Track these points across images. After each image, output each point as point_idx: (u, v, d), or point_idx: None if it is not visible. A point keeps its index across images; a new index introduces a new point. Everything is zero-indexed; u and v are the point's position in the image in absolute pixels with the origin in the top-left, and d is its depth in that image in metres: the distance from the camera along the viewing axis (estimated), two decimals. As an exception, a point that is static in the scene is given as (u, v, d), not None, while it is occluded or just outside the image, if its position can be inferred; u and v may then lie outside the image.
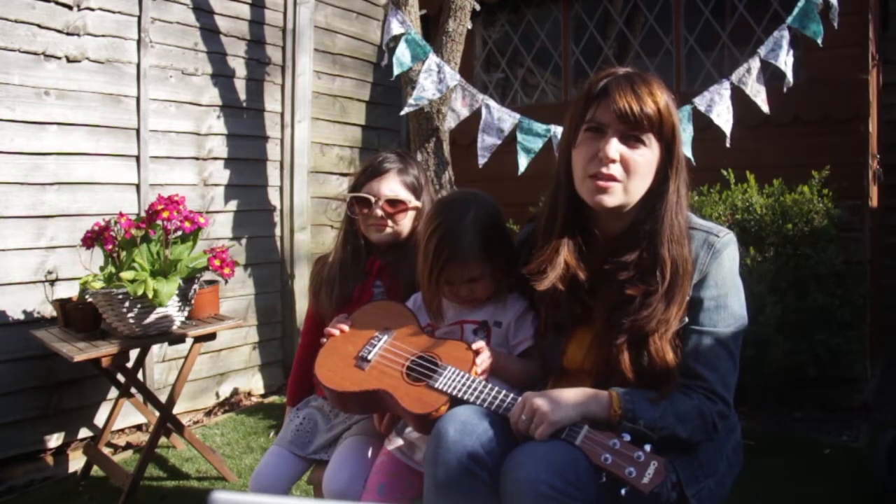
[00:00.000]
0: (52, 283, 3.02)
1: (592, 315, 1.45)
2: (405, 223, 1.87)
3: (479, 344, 1.51)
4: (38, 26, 2.95)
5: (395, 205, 1.85)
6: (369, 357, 1.55)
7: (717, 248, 1.41)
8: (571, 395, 1.34)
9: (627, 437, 1.24)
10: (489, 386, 1.39)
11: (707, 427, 1.37)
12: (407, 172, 1.89)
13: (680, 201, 1.41)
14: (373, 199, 1.85)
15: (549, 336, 1.52)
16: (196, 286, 2.68)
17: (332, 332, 1.66)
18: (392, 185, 1.86)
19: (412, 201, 1.87)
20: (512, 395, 1.35)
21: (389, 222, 1.85)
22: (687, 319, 1.40)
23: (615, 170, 1.36)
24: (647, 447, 1.22)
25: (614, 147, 1.36)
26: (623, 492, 1.20)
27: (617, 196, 1.38)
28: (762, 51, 3.04)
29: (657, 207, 1.41)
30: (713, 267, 1.40)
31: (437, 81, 3.22)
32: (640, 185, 1.39)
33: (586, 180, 1.40)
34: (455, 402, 1.39)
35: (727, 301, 1.40)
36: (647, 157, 1.38)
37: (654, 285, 1.37)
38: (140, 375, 3.09)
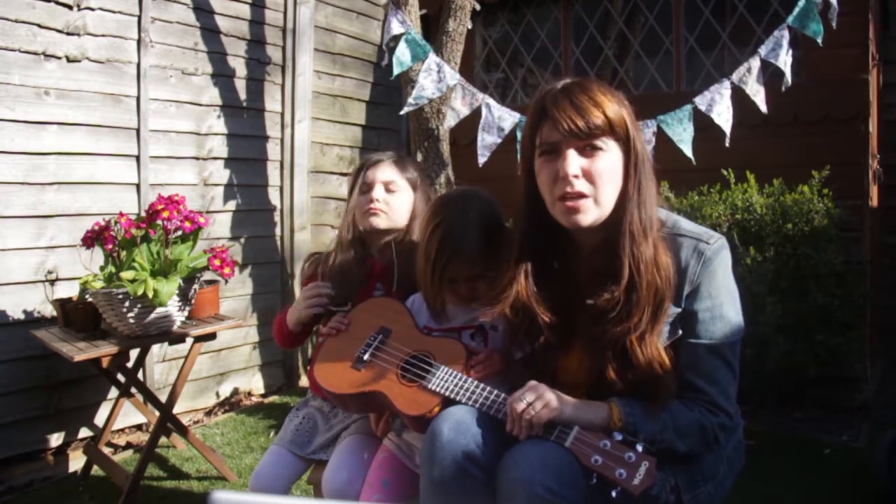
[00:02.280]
0: (52, 282, 3.02)
1: (578, 329, 1.42)
2: (399, 209, 1.86)
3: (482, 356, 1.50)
4: (38, 26, 2.95)
5: (390, 187, 1.86)
6: (365, 357, 1.55)
7: (708, 257, 1.35)
8: (572, 400, 1.33)
9: (619, 437, 1.23)
10: (482, 386, 1.38)
11: (708, 440, 1.35)
12: (403, 164, 1.91)
13: (641, 198, 1.34)
14: (369, 184, 1.86)
15: (539, 347, 1.48)
16: (196, 286, 2.68)
17: (329, 333, 1.66)
18: (387, 171, 1.88)
19: (407, 188, 1.89)
20: (504, 395, 1.35)
21: (383, 207, 1.84)
22: (680, 331, 1.36)
23: (580, 185, 1.31)
24: (639, 447, 1.21)
25: (573, 163, 1.30)
26: (613, 493, 1.18)
27: (590, 212, 1.33)
28: (762, 50, 3.04)
29: (618, 207, 1.36)
30: (705, 277, 1.35)
31: (436, 81, 3.22)
32: (610, 192, 1.33)
33: (556, 203, 1.34)
34: (448, 402, 1.39)
35: (722, 311, 1.36)
36: (608, 161, 1.32)
37: (615, 288, 1.33)
38: (140, 375, 3.09)
